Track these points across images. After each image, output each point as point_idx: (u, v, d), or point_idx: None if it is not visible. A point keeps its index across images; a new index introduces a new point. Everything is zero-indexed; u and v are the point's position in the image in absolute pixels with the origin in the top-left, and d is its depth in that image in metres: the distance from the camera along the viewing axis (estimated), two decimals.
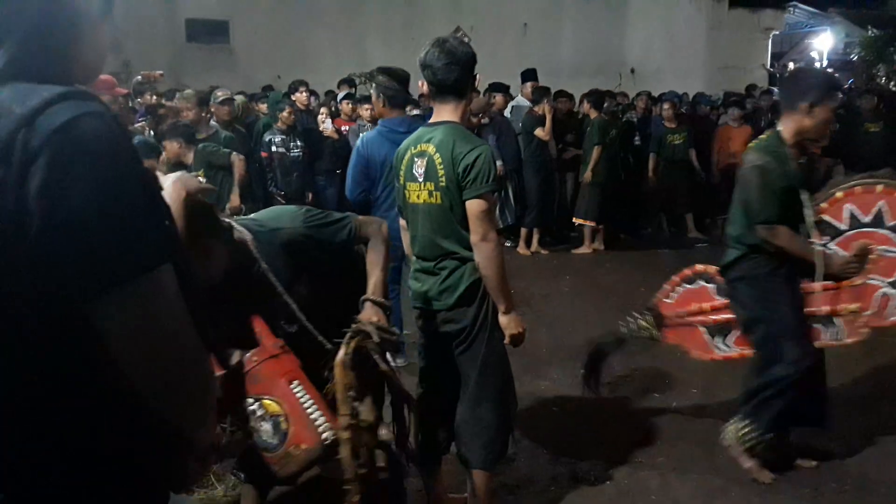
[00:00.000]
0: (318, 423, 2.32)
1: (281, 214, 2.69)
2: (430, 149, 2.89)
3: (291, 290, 2.51)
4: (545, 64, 11.64)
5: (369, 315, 2.61)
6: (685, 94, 12.29)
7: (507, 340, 2.98)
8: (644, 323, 4.24)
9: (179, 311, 1.10)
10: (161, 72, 8.33)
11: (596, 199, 8.65)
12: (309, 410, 2.32)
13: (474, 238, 2.82)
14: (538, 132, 8.48)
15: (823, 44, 25.32)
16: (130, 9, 12.44)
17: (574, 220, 8.99)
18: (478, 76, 3.00)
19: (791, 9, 23.80)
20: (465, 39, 11.38)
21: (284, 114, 7.74)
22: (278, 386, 2.32)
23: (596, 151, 8.49)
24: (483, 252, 2.83)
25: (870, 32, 21.99)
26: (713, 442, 3.99)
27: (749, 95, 11.96)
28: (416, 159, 2.95)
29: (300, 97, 9.07)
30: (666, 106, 9.47)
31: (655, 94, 11.42)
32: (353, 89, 10.45)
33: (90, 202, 0.99)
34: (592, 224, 8.79)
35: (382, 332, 2.55)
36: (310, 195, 7.79)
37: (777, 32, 22.03)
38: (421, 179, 2.93)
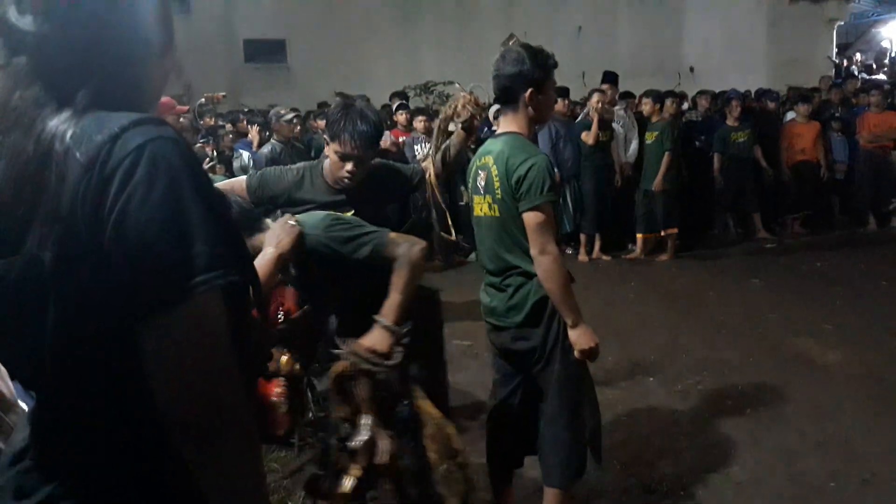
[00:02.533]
0: None
1: (311, 219, 2.66)
2: (489, 160, 2.87)
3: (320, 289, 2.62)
4: (601, 66, 11.47)
5: (372, 340, 2.44)
6: (747, 91, 11.97)
7: (577, 355, 2.86)
8: None
9: (223, 343, 1.07)
10: (224, 93, 8.52)
11: (673, 205, 8.33)
12: None
13: (533, 251, 2.76)
14: (584, 136, 8.35)
15: (892, 32, 24.39)
16: (190, 32, 12.79)
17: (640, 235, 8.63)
18: (546, 85, 2.88)
19: None
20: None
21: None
22: None
23: (667, 158, 8.13)
24: (542, 266, 2.76)
25: None
26: (790, 450, 3.86)
27: (816, 89, 11.59)
28: (479, 171, 2.95)
29: None
30: (734, 104, 9.21)
31: (716, 92, 11.14)
32: (406, 101, 10.49)
33: (150, 223, 1.02)
34: (673, 231, 8.43)
35: (373, 360, 2.38)
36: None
37: (842, 23, 21.33)
38: (482, 192, 2.92)
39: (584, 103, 9.17)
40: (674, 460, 3.85)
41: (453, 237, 3.31)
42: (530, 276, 2.83)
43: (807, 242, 9.01)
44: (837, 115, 10.03)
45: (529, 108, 2.87)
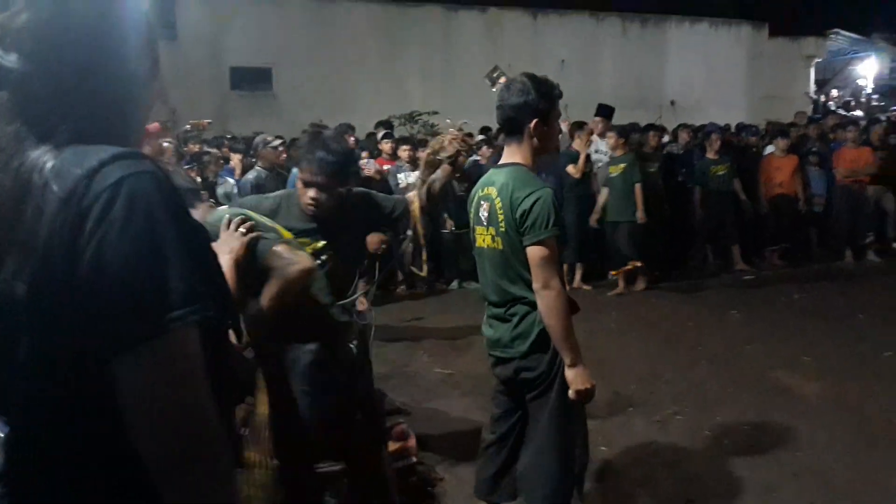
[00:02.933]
0: None
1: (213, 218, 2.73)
2: (493, 192, 2.85)
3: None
4: (584, 99, 11.60)
5: None
6: (727, 125, 12.17)
7: (571, 395, 2.79)
8: None
9: (199, 378, 1.07)
10: (209, 120, 8.56)
11: (636, 238, 8.33)
12: None
13: (536, 285, 2.73)
14: (569, 169, 8.46)
15: (868, 70, 24.91)
16: (176, 58, 12.84)
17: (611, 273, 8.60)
18: (551, 115, 2.88)
19: (833, 36, 23.49)
20: (502, 80, 11.63)
21: None
22: None
23: (638, 190, 8.21)
24: (545, 300, 2.72)
25: None
26: (767, 481, 3.89)
27: (793, 125, 11.80)
28: (482, 202, 2.92)
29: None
30: (714, 137, 9.37)
31: (696, 125, 11.32)
32: (391, 130, 10.57)
33: (127, 258, 1.03)
34: (639, 264, 8.41)
35: None
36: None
37: (819, 60, 21.78)
38: (485, 224, 2.89)
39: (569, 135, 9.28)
40: (652, 490, 3.87)
41: (424, 273, 3.32)
42: (535, 305, 2.78)
43: (785, 275, 9.12)
44: (815, 149, 10.22)
45: (534, 138, 2.84)
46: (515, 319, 2.86)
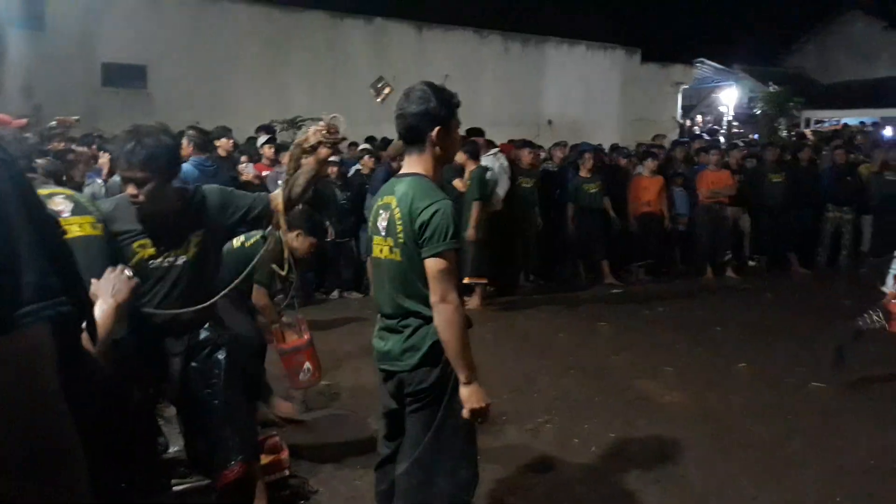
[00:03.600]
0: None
1: None
2: (393, 202, 2.77)
3: None
4: (466, 114, 11.74)
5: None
6: (600, 145, 12.67)
7: (466, 414, 2.71)
8: (876, 318, 5.20)
9: (50, 375, 1.03)
10: (77, 117, 8.12)
11: (482, 255, 8.21)
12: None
13: (433, 299, 2.65)
14: (455, 182, 8.54)
15: (729, 98, 26.57)
16: (44, 51, 12.16)
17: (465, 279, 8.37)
18: (452, 123, 2.82)
19: (699, 64, 24.95)
20: (387, 90, 11.57)
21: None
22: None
23: (476, 207, 8.06)
24: (442, 314, 2.65)
25: (771, 88, 23.28)
26: (631, 486, 4.05)
27: (659, 145, 12.42)
28: (381, 211, 2.83)
29: (224, 143, 8.96)
30: (586, 156, 9.74)
31: (571, 144, 11.73)
32: (273, 135, 10.39)
33: None
34: (483, 281, 8.38)
35: None
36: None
37: (686, 86, 23.05)
38: (383, 234, 2.80)
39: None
40: (522, 498, 3.96)
41: (284, 272, 3.23)
42: (430, 320, 2.71)
43: (650, 289, 9.55)
44: (681, 171, 10.79)
45: (437, 147, 2.78)
46: (408, 331, 2.78)
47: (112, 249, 2.84)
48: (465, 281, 8.25)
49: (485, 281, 8.43)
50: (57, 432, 1.03)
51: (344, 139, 3.07)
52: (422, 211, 2.65)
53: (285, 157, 8.17)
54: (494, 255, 8.64)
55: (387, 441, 3.04)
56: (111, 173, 7.23)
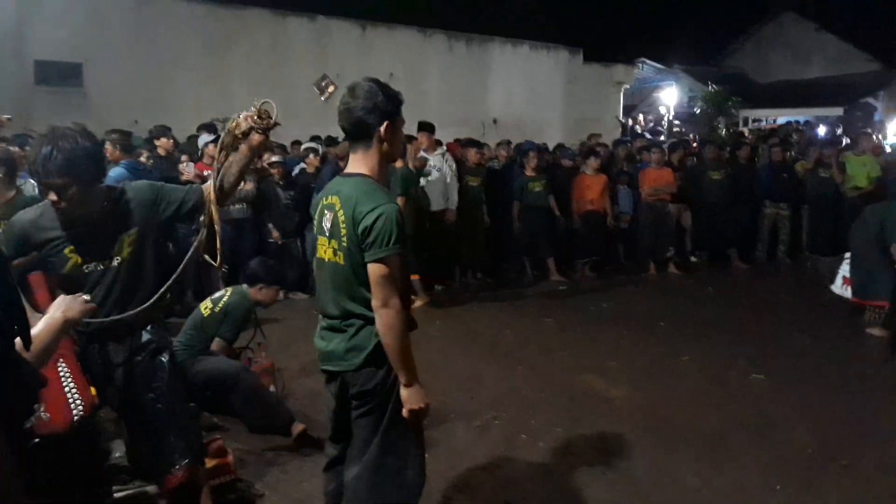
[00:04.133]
0: (71, 401, 2.66)
1: None
2: (337, 203, 2.72)
3: None
4: (411, 113, 11.70)
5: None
6: (544, 143, 12.78)
7: (405, 414, 2.74)
8: None
9: None
10: (9, 116, 7.86)
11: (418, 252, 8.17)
12: (66, 389, 2.66)
13: (375, 303, 2.64)
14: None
15: (670, 98, 27.07)
16: None
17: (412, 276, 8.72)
18: (398, 120, 2.78)
19: (640, 65, 25.37)
20: (331, 89, 11.58)
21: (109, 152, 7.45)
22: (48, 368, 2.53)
23: (401, 202, 7.95)
24: (384, 319, 2.64)
25: (710, 88, 23.80)
26: (578, 480, 4.10)
27: (602, 144, 12.59)
28: (325, 212, 2.79)
29: (164, 143, 8.81)
30: (531, 155, 9.83)
31: (515, 143, 11.81)
32: (217, 134, 10.22)
33: None
34: (416, 278, 8.23)
35: None
36: (170, 246, 7.47)
37: (628, 86, 23.39)
38: (327, 235, 2.77)
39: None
40: (472, 495, 3.97)
41: (217, 264, 3.19)
42: (373, 321, 2.70)
43: (595, 285, 9.67)
44: (626, 170, 10.96)
45: (385, 143, 2.75)
46: (351, 331, 2.76)
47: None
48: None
49: (416, 277, 8.42)
50: None
51: (277, 124, 3.00)
52: (365, 215, 2.61)
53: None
54: (435, 252, 8.77)
55: (333, 443, 3.02)
56: None
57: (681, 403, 5.33)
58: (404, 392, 2.73)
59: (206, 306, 4.79)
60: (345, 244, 2.68)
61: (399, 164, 8.29)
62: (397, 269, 2.65)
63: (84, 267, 2.94)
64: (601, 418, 5.03)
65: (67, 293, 2.97)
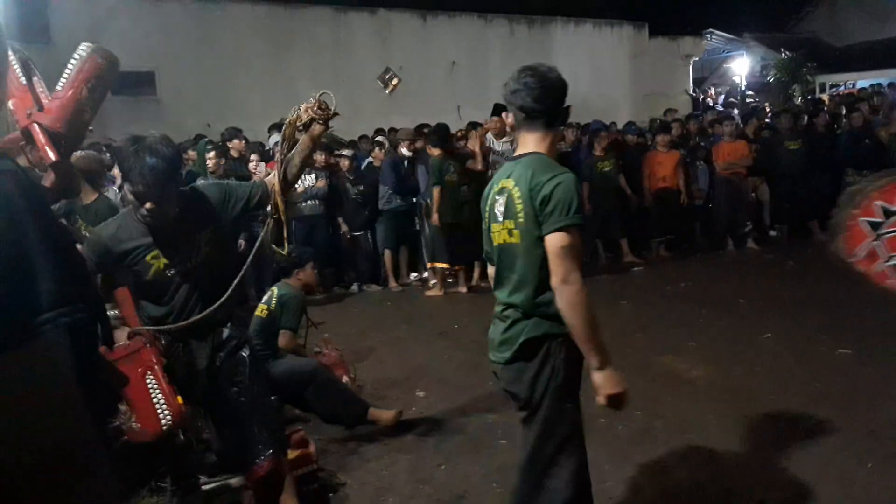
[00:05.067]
0: (160, 412, 2.83)
1: None
2: (510, 184, 2.64)
3: None
4: (474, 100, 11.75)
5: None
6: (612, 122, 12.57)
7: (602, 401, 2.58)
8: None
9: (69, 381, 1.04)
10: (90, 127, 8.16)
11: (442, 240, 8.41)
12: (155, 401, 2.82)
13: (554, 280, 2.49)
14: (470, 164, 8.56)
15: (741, 68, 26.27)
16: (51, 63, 12.16)
17: (429, 263, 8.85)
18: (570, 107, 2.78)
19: (708, 36, 24.64)
20: (395, 81, 11.66)
21: (211, 163, 7.67)
22: (132, 379, 2.69)
23: (436, 192, 8.28)
24: (565, 297, 2.48)
25: (783, 55, 22.97)
26: (659, 464, 4.03)
27: (675, 119, 12.30)
28: (497, 198, 2.71)
29: (237, 144, 9.03)
30: (601, 135, 9.70)
31: (583, 123, 11.63)
32: None
33: None
34: (444, 266, 8.52)
35: None
36: (241, 242, 7.62)
37: (697, 59, 22.80)
38: (501, 219, 2.66)
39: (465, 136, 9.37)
40: None
41: (285, 252, 3.26)
42: (528, 315, 2.60)
43: (671, 265, 9.49)
44: (702, 144, 10.68)
45: (558, 132, 2.75)
46: (507, 322, 2.67)
47: None
48: (428, 266, 8.57)
49: (446, 266, 8.50)
50: (78, 439, 1.03)
51: (336, 114, 3.04)
52: (543, 185, 2.51)
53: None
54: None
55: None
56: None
57: (764, 382, 5.19)
58: (598, 376, 2.56)
59: (260, 310, 4.88)
60: (521, 220, 2.57)
61: (435, 152, 8.37)
62: (579, 241, 2.54)
63: (167, 271, 3.04)
64: (681, 400, 4.93)
65: (152, 299, 3.09)
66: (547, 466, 2.64)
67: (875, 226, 4.66)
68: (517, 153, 2.74)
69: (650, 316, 7.09)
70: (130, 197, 3.00)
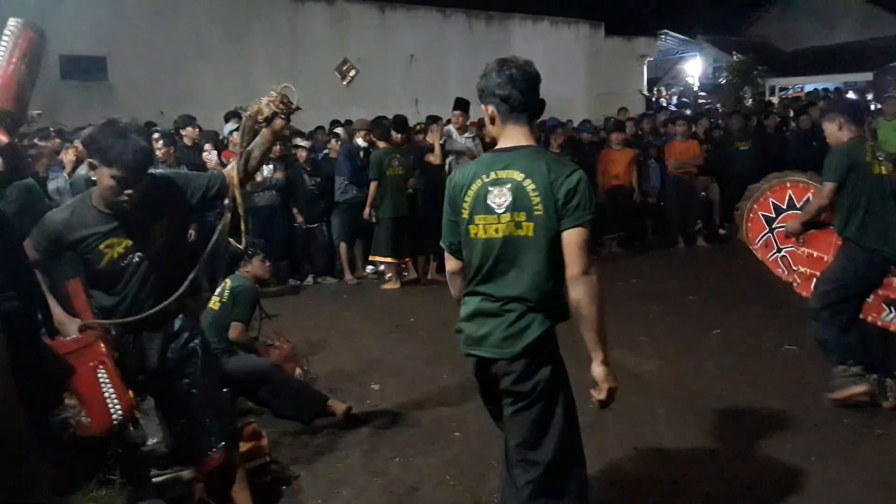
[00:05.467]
0: (111, 406, 2.80)
1: None
2: (517, 175, 2.56)
3: None
4: (432, 94, 11.76)
5: None
6: (569, 120, 12.68)
7: (601, 396, 2.63)
8: None
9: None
10: (38, 111, 7.96)
11: (385, 235, 8.37)
12: (106, 395, 2.79)
13: (574, 271, 2.51)
14: (429, 158, 8.57)
15: (694, 69, 26.74)
16: None
17: (370, 257, 8.82)
18: (545, 102, 2.76)
19: (663, 36, 25.05)
20: (352, 73, 11.59)
21: (160, 152, 7.46)
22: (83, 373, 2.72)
23: (372, 186, 8.28)
24: (585, 288, 2.51)
25: (735, 57, 23.44)
26: (609, 456, 4.10)
27: (630, 118, 12.46)
28: (490, 189, 2.59)
29: (190, 132, 8.89)
30: (558, 132, 9.76)
31: (539, 121, 11.70)
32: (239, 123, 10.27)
33: None
34: (389, 260, 8.54)
35: None
36: (192, 233, 7.46)
37: (651, 59, 23.11)
38: (502, 210, 2.56)
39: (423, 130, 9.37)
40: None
41: (242, 245, 3.26)
42: (537, 309, 2.58)
43: (623, 261, 9.61)
44: (654, 143, 10.84)
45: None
46: (512, 316, 2.59)
47: None
48: (371, 259, 8.68)
49: (389, 260, 8.53)
50: (9, 432, 1.00)
51: (298, 108, 3.02)
52: (567, 178, 2.52)
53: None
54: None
55: (498, 424, 2.92)
56: (74, 168, 7.11)
57: (712, 377, 5.31)
58: (602, 370, 2.61)
59: (213, 301, 4.83)
60: (538, 213, 2.53)
61: (382, 145, 8.38)
62: (591, 236, 2.58)
63: (121, 261, 2.98)
64: (632, 394, 4.97)
65: (104, 289, 3.03)
66: (564, 451, 2.67)
67: (769, 220, 5.40)
68: (505, 146, 2.67)
69: None
70: (96, 180, 2.93)
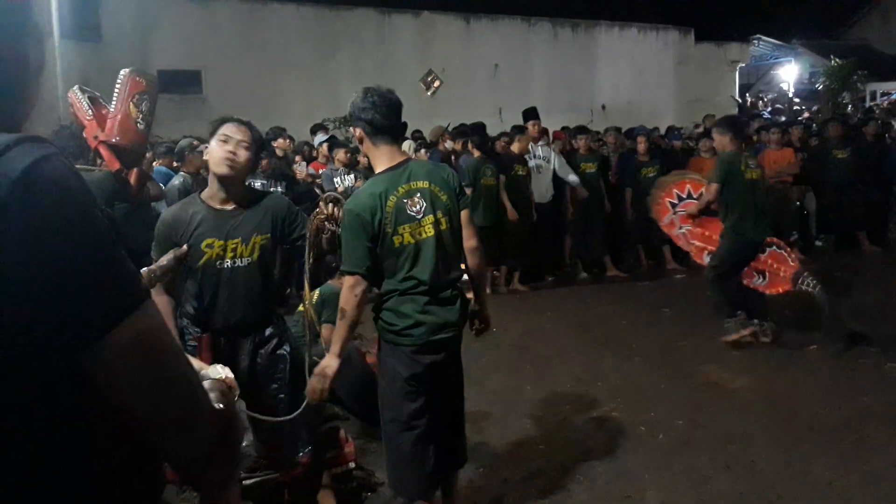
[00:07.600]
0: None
1: None
2: (422, 183, 3.00)
3: None
4: (517, 103, 11.64)
5: None
6: (656, 128, 12.43)
7: (476, 333, 3.37)
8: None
9: (173, 341, 1.12)
10: (159, 136, 8.34)
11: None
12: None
13: (473, 242, 3.16)
14: (517, 168, 8.52)
15: (789, 74, 25.86)
16: (101, 61, 12.48)
17: None
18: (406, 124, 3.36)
19: (755, 42, 24.32)
20: (436, 84, 11.71)
21: (263, 162, 7.71)
22: None
23: (468, 193, 8.17)
24: (481, 254, 3.23)
25: (833, 62, 22.50)
26: (700, 474, 3.98)
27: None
28: (405, 200, 2.96)
29: (281, 143, 9.14)
30: (640, 139, 9.57)
31: (623, 129, 11.51)
32: (331, 135, 10.52)
33: (69, 247, 0.97)
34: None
35: None
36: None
37: (743, 65, 22.47)
38: (421, 215, 2.97)
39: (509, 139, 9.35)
40: (589, 486, 3.91)
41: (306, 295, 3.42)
42: (457, 287, 3.15)
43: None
44: (748, 151, 10.49)
45: None
46: (458, 299, 3.12)
47: None
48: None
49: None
50: (198, 393, 1.14)
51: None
52: (450, 173, 3.15)
53: (339, 156, 8.26)
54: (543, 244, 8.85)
55: (418, 416, 3.13)
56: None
57: (808, 394, 5.08)
58: (488, 315, 3.38)
59: (302, 307, 4.87)
60: (449, 206, 3.05)
61: (476, 153, 8.33)
62: None
63: (217, 263, 3.07)
64: (723, 410, 4.85)
65: (196, 291, 3.11)
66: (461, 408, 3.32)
67: (673, 205, 7.00)
68: (392, 164, 3.01)
69: (693, 324, 6.97)
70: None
